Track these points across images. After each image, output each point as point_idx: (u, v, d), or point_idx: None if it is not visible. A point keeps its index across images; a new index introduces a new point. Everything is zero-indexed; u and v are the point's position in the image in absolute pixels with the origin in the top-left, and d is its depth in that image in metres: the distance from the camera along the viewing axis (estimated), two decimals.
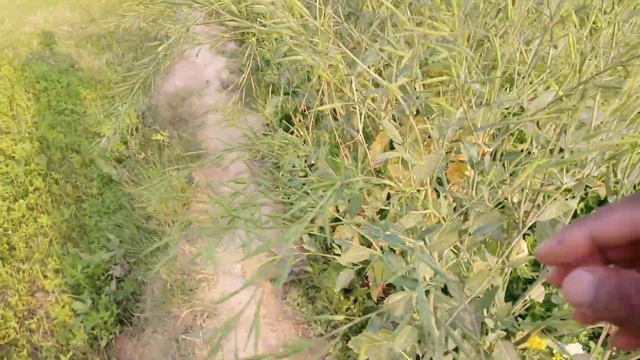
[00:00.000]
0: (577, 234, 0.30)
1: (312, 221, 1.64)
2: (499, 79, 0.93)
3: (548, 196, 0.83)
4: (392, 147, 1.55)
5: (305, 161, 1.34)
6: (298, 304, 1.72)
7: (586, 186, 1.81)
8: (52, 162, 2.85)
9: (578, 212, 1.77)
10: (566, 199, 0.83)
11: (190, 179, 2.37)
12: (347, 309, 1.63)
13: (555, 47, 1.08)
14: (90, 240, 2.29)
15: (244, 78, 1.58)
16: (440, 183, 1.26)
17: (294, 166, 1.22)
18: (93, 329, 1.91)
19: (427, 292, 0.80)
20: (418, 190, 1.03)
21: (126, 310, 1.97)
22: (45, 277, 2.14)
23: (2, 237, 2.33)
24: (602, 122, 1.00)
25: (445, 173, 1.52)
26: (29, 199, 2.54)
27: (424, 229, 0.76)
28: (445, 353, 0.92)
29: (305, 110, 1.44)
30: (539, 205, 0.99)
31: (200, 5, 1.12)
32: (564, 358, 0.93)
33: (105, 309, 1.94)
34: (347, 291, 1.72)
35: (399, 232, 0.67)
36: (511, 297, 1.65)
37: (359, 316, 1.48)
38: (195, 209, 2.25)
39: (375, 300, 1.59)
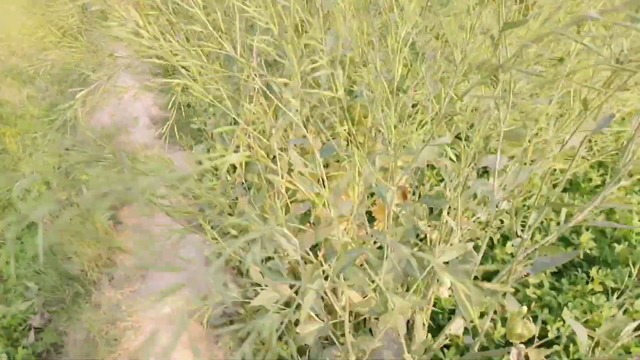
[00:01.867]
0: None
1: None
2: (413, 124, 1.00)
3: (449, 243, 0.90)
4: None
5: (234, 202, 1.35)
6: (230, 347, 1.70)
7: (501, 221, 1.92)
8: None
9: (495, 241, 1.89)
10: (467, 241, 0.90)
11: (117, 220, 2.29)
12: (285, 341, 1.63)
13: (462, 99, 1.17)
14: (7, 288, 2.15)
15: (168, 124, 1.59)
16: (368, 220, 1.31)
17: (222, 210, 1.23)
18: None
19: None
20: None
21: None
22: None
23: None
24: (505, 167, 1.09)
25: (372, 212, 1.58)
26: None
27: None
28: None
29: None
30: (451, 244, 1.06)
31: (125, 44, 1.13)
32: None
33: None
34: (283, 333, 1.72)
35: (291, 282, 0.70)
36: (439, 327, 1.71)
37: (291, 357, 1.48)
38: (122, 251, 2.18)
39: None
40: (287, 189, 1.16)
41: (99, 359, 1.65)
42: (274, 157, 1.25)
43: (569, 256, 0.84)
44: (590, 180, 2.09)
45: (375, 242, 1.29)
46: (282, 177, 1.13)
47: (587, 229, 1.86)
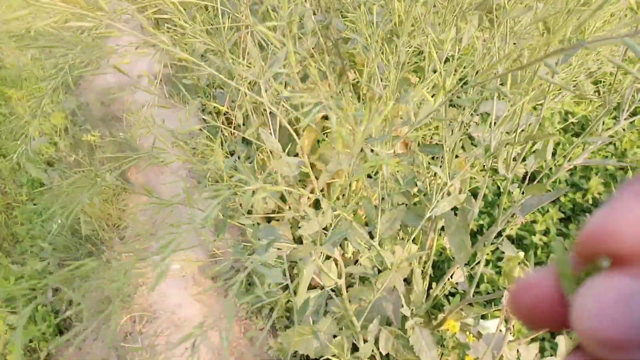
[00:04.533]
0: None
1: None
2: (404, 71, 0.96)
3: (444, 194, 0.88)
4: (319, 141, 1.57)
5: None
6: (238, 301, 1.74)
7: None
8: None
9: (502, 189, 1.86)
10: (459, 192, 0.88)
11: (125, 179, 2.31)
12: (287, 302, 1.66)
13: (460, 40, 1.12)
14: (23, 249, 2.20)
15: (156, 81, 1.56)
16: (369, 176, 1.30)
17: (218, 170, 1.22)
18: (31, 341, 1.86)
19: (336, 291, 0.83)
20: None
21: (65, 320, 1.93)
22: None
23: None
24: (503, 114, 1.05)
25: None
26: None
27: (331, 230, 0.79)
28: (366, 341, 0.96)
29: (227, 111, 1.44)
30: (448, 194, 1.04)
31: None
32: (475, 338, 0.99)
33: (42, 320, 1.89)
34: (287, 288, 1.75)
35: (281, 239, 0.69)
36: (442, 276, 1.73)
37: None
38: (132, 211, 2.21)
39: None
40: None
41: (114, 314, 1.70)
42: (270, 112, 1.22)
43: (555, 194, 0.82)
44: (603, 123, 2.03)
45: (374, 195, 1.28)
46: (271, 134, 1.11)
47: (596, 174, 1.82)
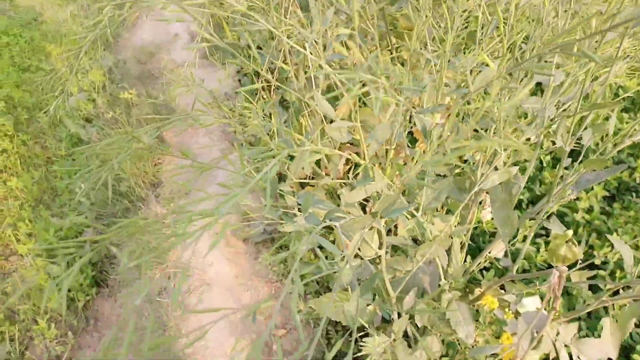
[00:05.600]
0: None
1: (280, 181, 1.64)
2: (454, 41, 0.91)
3: (491, 167, 0.84)
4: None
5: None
6: (270, 264, 1.75)
7: (553, 142, 1.82)
8: (19, 122, 2.77)
9: (544, 164, 1.80)
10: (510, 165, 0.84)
11: (161, 138, 2.33)
12: (317, 267, 1.67)
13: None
14: (62, 202, 2.27)
15: (197, 39, 1.52)
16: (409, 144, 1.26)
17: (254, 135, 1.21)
18: (69, 291, 1.93)
19: (376, 260, 0.81)
20: (377, 157, 1.03)
21: (101, 272, 1.99)
22: (18, 240, 2.13)
23: None
24: (561, 83, 1.00)
25: (412, 132, 1.51)
26: None
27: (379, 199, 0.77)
28: (399, 315, 0.95)
29: (268, 72, 1.41)
30: (496, 167, 1.00)
31: None
32: (513, 315, 0.97)
33: (80, 272, 1.95)
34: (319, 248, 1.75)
35: (331, 207, 0.67)
36: (478, 250, 1.69)
37: (328, 275, 1.51)
38: (166, 170, 2.23)
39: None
40: None
41: (149, 269, 1.74)
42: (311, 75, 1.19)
43: (614, 170, 0.77)
44: None
45: (416, 164, 1.24)
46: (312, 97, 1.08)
47: None
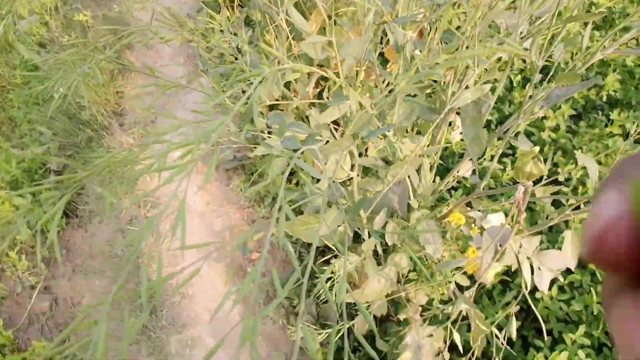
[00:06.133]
0: None
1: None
2: None
3: (462, 85, 0.83)
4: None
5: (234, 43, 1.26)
6: (241, 190, 1.75)
7: (523, 60, 1.81)
8: None
9: (514, 84, 1.80)
10: (482, 83, 0.83)
11: (122, 64, 2.21)
12: (302, 193, 1.67)
13: None
14: (22, 133, 2.18)
15: None
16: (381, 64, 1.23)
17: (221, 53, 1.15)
18: (36, 222, 1.90)
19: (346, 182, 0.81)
20: (348, 77, 1.00)
21: (70, 202, 1.95)
22: None
23: None
24: None
25: (383, 52, 1.47)
26: None
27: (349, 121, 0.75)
28: (369, 236, 0.97)
29: None
30: (467, 86, 0.99)
31: None
32: (479, 230, 1.00)
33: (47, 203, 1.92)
34: (290, 174, 1.75)
35: (308, 130, 0.66)
36: (447, 170, 1.72)
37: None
38: (130, 96, 2.15)
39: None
40: (289, 24, 1.06)
41: (119, 199, 1.72)
42: None
43: (584, 85, 0.77)
44: (627, 16, 1.91)
45: (387, 86, 1.22)
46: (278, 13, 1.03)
47: (614, 70, 1.75)
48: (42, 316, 1.78)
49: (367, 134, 0.62)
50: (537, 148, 0.87)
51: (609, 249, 0.15)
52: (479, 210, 0.99)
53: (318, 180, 1.03)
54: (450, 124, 1.75)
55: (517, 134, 0.91)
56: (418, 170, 1.03)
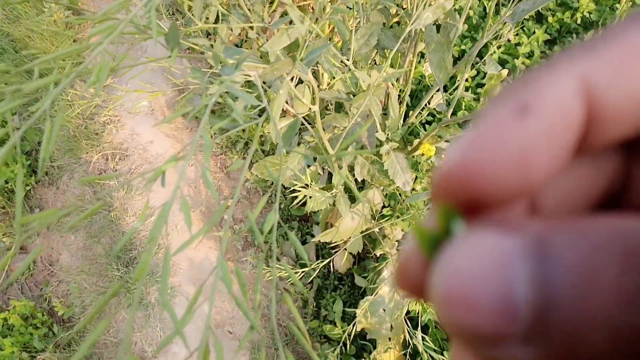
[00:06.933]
0: (550, 101, 0.12)
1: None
2: None
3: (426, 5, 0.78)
4: None
5: None
6: (212, 136, 1.70)
7: None
8: None
9: (487, 10, 1.73)
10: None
11: (76, 10, 2.09)
12: (261, 136, 1.63)
13: None
14: None
15: None
16: None
17: None
18: (7, 182, 1.85)
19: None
20: None
21: (37, 159, 1.89)
22: None
23: None
24: None
25: None
26: None
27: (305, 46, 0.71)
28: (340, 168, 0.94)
29: None
30: (430, 4, 0.94)
31: None
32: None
33: (14, 162, 1.85)
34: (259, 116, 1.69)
35: (251, 59, 0.61)
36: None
37: (271, 142, 1.48)
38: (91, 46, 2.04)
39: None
40: None
41: (84, 152, 1.66)
42: None
43: None
44: None
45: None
46: None
47: None
48: (21, 276, 1.76)
49: (310, 54, 0.58)
50: (506, 71, 0.84)
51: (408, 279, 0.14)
52: (447, 141, 0.96)
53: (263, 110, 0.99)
54: (423, 56, 1.69)
55: (484, 59, 0.88)
56: (386, 103, 0.99)
